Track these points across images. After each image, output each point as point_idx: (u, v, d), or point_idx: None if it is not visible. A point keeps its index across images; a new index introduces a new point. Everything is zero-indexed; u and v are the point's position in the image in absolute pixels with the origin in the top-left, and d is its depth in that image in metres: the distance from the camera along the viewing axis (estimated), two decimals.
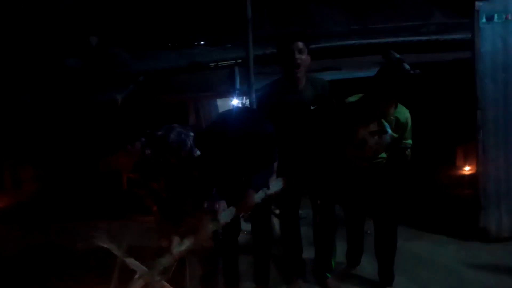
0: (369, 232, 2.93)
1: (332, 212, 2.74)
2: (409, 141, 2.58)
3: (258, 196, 2.43)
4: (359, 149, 2.52)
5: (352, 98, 2.56)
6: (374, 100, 2.41)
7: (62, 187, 4.86)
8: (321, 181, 2.65)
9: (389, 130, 2.45)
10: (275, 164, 2.59)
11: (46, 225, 4.28)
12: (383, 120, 2.45)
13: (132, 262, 2.30)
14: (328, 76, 3.94)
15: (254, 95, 3.71)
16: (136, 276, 2.24)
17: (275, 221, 3.72)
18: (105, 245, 2.29)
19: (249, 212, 2.58)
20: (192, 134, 2.31)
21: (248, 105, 3.68)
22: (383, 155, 2.59)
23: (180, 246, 2.32)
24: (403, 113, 2.48)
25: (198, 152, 2.24)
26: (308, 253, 2.91)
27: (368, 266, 2.93)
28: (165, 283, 2.33)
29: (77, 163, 4.74)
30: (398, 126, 2.46)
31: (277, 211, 3.79)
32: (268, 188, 2.46)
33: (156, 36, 4.73)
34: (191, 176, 2.31)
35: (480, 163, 3.35)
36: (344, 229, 2.92)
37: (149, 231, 3.62)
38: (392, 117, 2.45)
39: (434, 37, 4.30)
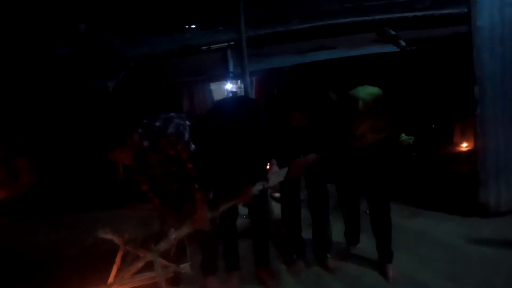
0: (367, 211, 2.92)
1: (324, 188, 2.74)
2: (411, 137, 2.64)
3: (256, 189, 2.44)
4: (355, 140, 2.55)
5: (363, 92, 2.50)
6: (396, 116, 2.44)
7: (58, 177, 4.82)
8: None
9: None
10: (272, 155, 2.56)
11: (43, 216, 4.26)
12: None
13: (133, 248, 2.38)
14: (322, 55, 3.91)
15: (248, 78, 3.65)
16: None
17: (274, 204, 3.72)
18: (108, 237, 2.36)
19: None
20: (188, 123, 2.29)
21: (243, 90, 3.62)
22: None
23: (178, 231, 2.37)
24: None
25: (194, 147, 2.25)
26: (308, 235, 2.90)
27: (367, 245, 2.93)
28: (164, 261, 2.39)
29: (73, 153, 4.70)
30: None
31: (277, 195, 3.78)
32: (267, 181, 2.46)
33: (146, 21, 4.62)
34: (187, 167, 2.31)
35: (478, 137, 3.32)
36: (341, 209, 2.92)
37: (145, 218, 3.64)
38: None
39: (429, 12, 4.23)
